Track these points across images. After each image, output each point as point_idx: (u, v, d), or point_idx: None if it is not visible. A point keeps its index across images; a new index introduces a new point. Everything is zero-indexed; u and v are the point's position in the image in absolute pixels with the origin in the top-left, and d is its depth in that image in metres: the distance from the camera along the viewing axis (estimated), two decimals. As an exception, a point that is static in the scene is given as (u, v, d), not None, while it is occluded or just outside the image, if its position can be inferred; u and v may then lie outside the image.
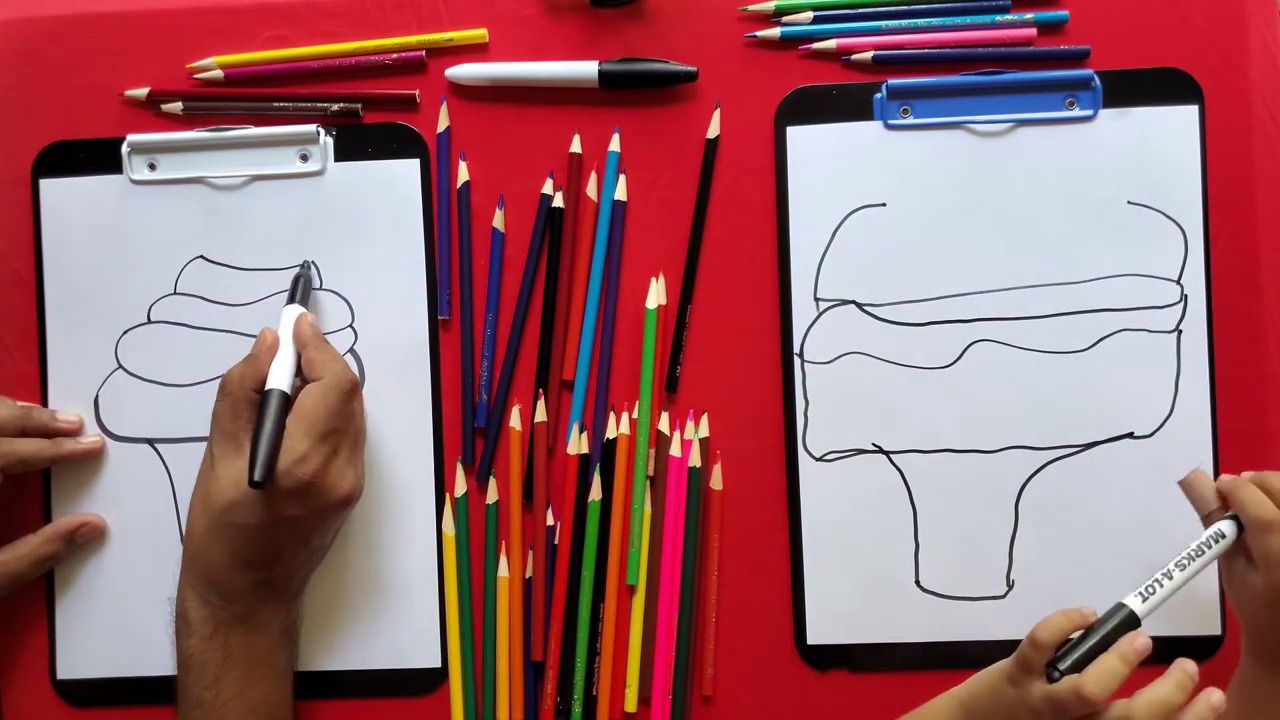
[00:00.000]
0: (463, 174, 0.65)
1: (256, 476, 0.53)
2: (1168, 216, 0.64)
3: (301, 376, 0.59)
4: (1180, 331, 0.64)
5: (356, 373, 0.62)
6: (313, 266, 0.64)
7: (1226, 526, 0.56)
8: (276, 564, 0.58)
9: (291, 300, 0.62)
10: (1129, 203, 0.64)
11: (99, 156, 0.65)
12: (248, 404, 0.57)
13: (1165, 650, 0.62)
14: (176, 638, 0.58)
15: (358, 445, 0.60)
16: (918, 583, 0.64)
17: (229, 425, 0.57)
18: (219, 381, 0.58)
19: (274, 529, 0.56)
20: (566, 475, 0.65)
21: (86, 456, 0.64)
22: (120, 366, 0.65)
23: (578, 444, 0.65)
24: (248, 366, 0.58)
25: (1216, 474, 0.63)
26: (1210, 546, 0.56)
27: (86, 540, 0.65)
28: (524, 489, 0.65)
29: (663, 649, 0.64)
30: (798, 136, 0.65)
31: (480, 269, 0.65)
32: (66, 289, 0.66)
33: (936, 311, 0.64)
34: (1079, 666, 0.52)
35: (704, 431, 0.65)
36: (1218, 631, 0.63)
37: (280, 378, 0.57)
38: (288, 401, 0.57)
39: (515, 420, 0.65)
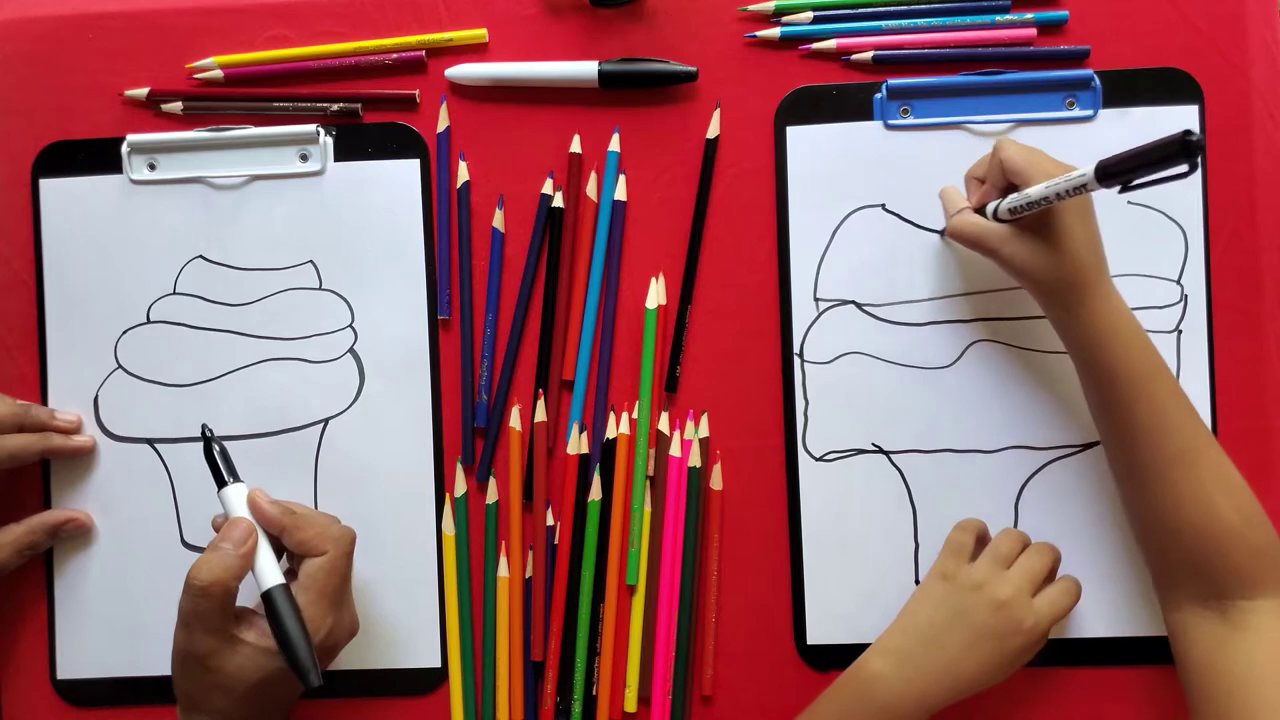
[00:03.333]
0: (463, 174, 0.65)
1: (315, 682, 0.53)
2: (1168, 216, 0.64)
3: (288, 555, 0.58)
4: (1180, 331, 0.64)
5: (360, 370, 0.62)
6: (209, 430, 0.58)
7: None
8: (294, 706, 0.59)
9: (223, 480, 0.57)
10: (1129, 203, 0.64)
11: (99, 156, 0.65)
12: (232, 600, 0.55)
13: (1164, 651, 0.62)
14: None
15: (350, 580, 0.59)
16: (918, 583, 0.64)
17: (217, 623, 0.54)
18: (189, 578, 0.54)
19: (301, 689, 0.57)
20: (566, 475, 0.65)
21: (76, 453, 0.64)
22: (120, 366, 0.65)
23: (578, 444, 0.65)
24: (229, 564, 0.54)
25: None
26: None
27: (70, 536, 0.65)
28: (524, 489, 0.65)
29: (662, 649, 0.64)
30: (798, 136, 0.65)
31: (480, 269, 0.65)
32: (66, 289, 0.66)
33: (936, 311, 0.64)
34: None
35: (704, 431, 0.65)
36: (1218, 631, 0.63)
37: (272, 569, 0.55)
38: (289, 589, 0.55)
39: (515, 420, 0.65)
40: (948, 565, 0.60)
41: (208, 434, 0.58)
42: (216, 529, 0.58)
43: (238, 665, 0.54)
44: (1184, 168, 0.48)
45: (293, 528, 0.57)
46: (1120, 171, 0.50)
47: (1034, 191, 0.55)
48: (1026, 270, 0.57)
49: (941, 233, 0.64)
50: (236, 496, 0.57)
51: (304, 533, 0.57)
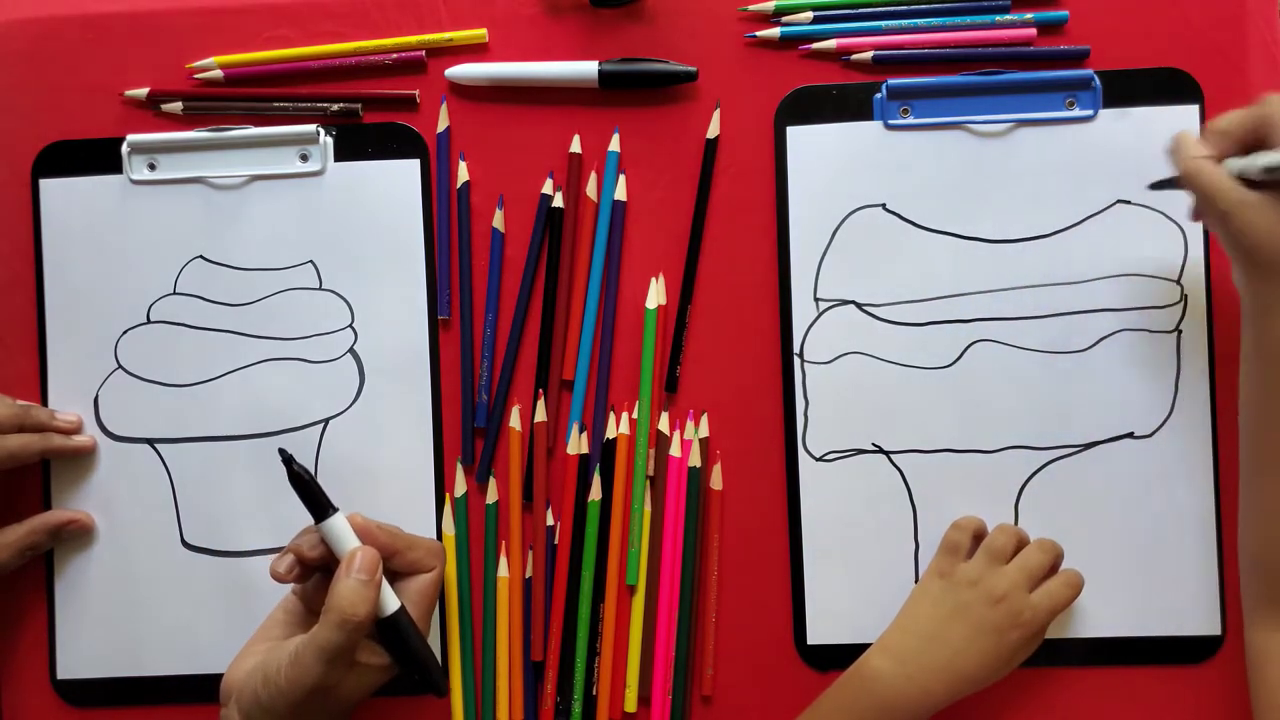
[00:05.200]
0: (463, 174, 0.65)
1: (444, 691, 0.59)
2: (1168, 216, 0.64)
3: (395, 573, 0.58)
4: (1180, 331, 0.64)
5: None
6: (297, 461, 0.56)
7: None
8: None
9: (322, 512, 0.55)
10: (1129, 203, 0.64)
11: (99, 156, 0.65)
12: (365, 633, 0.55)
13: (1164, 651, 0.62)
14: None
15: None
16: (918, 583, 0.64)
17: (353, 657, 0.55)
18: (336, 612, 0.53)
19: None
20: (566, 475, 0.65)
21: (77, 453, 0.64)
22: (120, 366, 0.66)
23: (578, 444, 0.65)
24: (371, 597, 0.54)
25: (1217, 474, 0.63)
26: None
27: (71, 537, 0.65)
28: (524, 489, 0.65)
29: (663, 649, 0.64)
30: (798, 136, 0.65)
31: (480, 269, 0.65)
32: (66, 289, 0.66)
33: (936, 311, 0.64)
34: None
35: (704, 431, 0.65)
36: (1218, 631, 0.63)
37: (392, 596, 0.56)
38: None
39: (515, 420, 0.65)
40: (944, 563, 0.61)
41: (297, 468, 0.55)
42: (300, 559, 0.56)
43: (350, 688, 0.55)
44: None
45: (404, 549, 0.58)
46: None
47: None
48: (1259, 245, 0.51)
49: (1160, 184, 0.58)
50: (343, 526, 0.56)
51: (415, 553, 0.58)
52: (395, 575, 0.58)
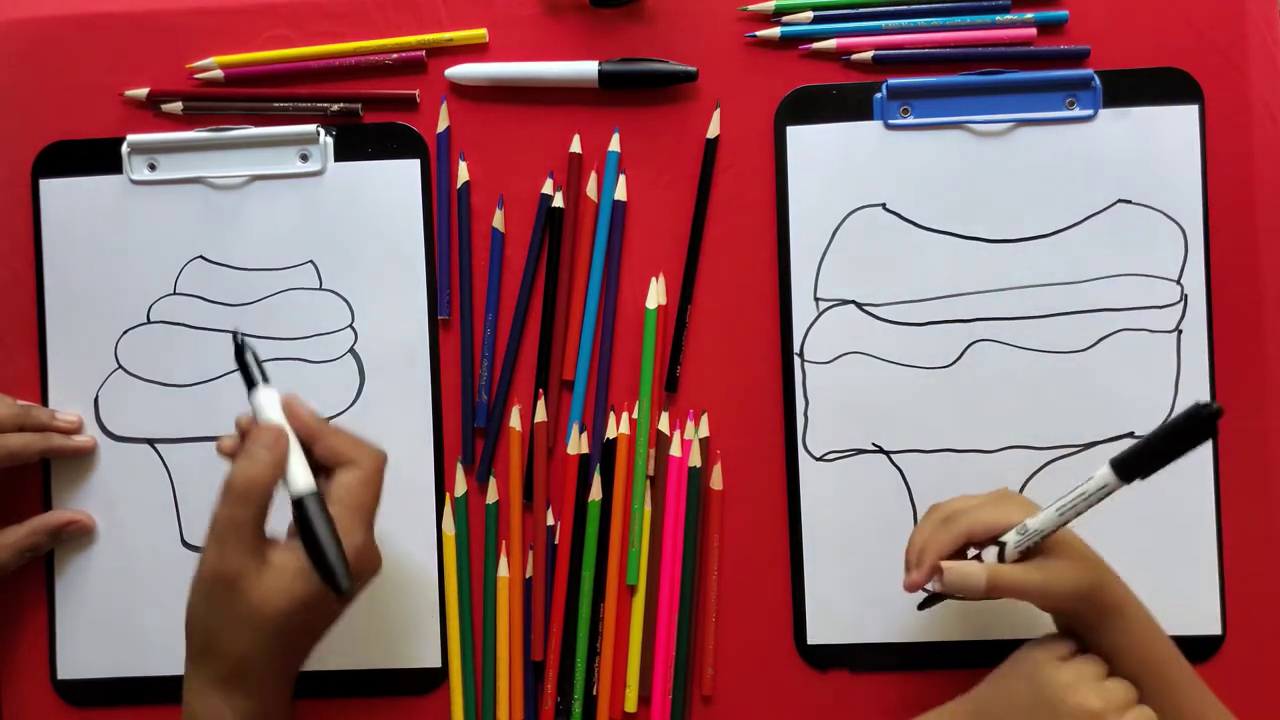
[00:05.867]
0: (463, 174, 0.65)
1: (344, 585, 0.51)
2: (1168, 216, 0.64)
3: (318, 465, 0.55)
4: (1180, 331, 0.64)
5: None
6: (239, 334, 0.55)
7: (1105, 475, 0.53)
8: (314, 649, 0.56)
9: (253, 382, 0.54)
10: (1129, 202, 0.64)
11: (99, 156, 0.65)
12: (266, 511, 0.52)
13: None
14: None
15: None
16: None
17: (250, 536, 0.51)
18: (226, 485, 0.52)
19: (328, 620, 0.55)
20: (566, 475, 0.65)
21: (77, 453, 0.65)
22: (120, 366, 0.65)
23: (578, 444, 0.65)
24: (263, 472, 0.52)
25: (1217, 474, 0.63)
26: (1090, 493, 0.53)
27: (72, 537, 0.65)
28: (524, 489, 0.65)
29: (663, 649, 0.64)
30: (798, 136, 0.65)
31: (480, 269, 0.65)
32: (66, 289, 0.66)
33: (936, 311, 0.64)
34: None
35: (704, 431, 0.65)
36: (1218, 631, 0.63)
37: (304, 476, 0.53)
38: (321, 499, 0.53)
39: (515, 420, 0.65)
40: (1039, 654, 0.56)
41: (238, 339, 0.54)
42: (242, 432, 0.54)
43: (266, 589, 0.51)
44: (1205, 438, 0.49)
45: (326, 433, 0.54)
46: (1142, 464, 0.51)
47: (1046, 519, 0.53)
48: (1073, 592, 0.54)
49: (927, 603, 0.59)
50: (269, 400, 0.54)
51: (337, 440, 0.54)
52: (322, 469, 0.54)
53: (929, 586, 0.55)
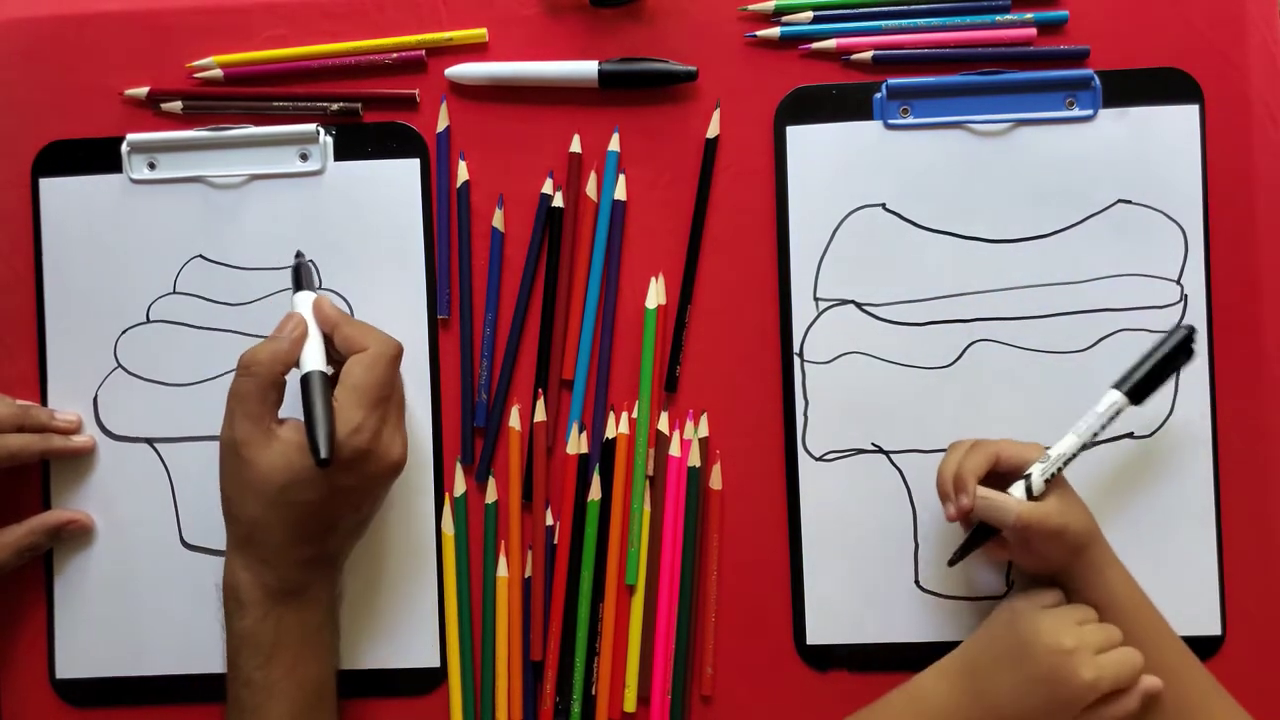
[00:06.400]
0: (463, 174, 0.65)
1: (324, 454, 0.53)
2: (1168, 216, 0.64)
3: (334, 356, 0.58)
4: (1180, 331, 0.64)
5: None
6: (305, 256, 0.63)
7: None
8: (331, 536, 0.58)
9: (299, 288, 0.60)
10: (1129, 203, 0.64)
11: (99, 156, 0.65)
12: (275, 387, 0.56)
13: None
14: (227, 619, 0.57)
15: (401, 412, 0.60)
16: (917, 583, 0.64)
17: (256, 408, 0.56)
18: (240, 360, 0.56)
19: (332, 501, 0.56)
20: (566, 475, 0.65)
21: (77, 454, 0.64)
22: (119, 366, 0.65)
23: (577, 444, 0.65)
24: (277, 348, 0.56)
25: (1217, 474, 0.63)
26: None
27: (71, 537, 0.65)
28: (523, 489, 0.65)
29: (662, 649, 0.64)
30: (798, 136, 0.65)
31: (480, 269, 0.65)
32: (66, 288, 0.66)
33: (936, 311, 0.64)
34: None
35: (704, 431, 0.65)
36: (1218, 631, 0.63)
37: (316, 359, 0.57)
38: (329, 381, 0.56)
39: (515, 420, 0.65)
40: (1021, 603, 0.58)
41: (298, 259, 0.62)
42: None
43: (269, 461, 0.55)
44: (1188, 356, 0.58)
45: (344, 323, 0.58)
46: (1145, 385, 0.58)
47: (1067, 443, 0.58)
48: (1077, 530, 0.57)
49: (962, 551, 0.60)
50: (301, 301, 0.59)
51: (348, 329, 0.58)
52: (340, 356, 0.58)
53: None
